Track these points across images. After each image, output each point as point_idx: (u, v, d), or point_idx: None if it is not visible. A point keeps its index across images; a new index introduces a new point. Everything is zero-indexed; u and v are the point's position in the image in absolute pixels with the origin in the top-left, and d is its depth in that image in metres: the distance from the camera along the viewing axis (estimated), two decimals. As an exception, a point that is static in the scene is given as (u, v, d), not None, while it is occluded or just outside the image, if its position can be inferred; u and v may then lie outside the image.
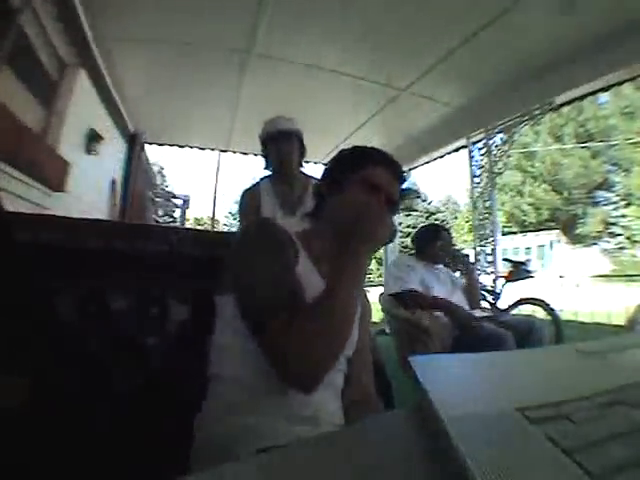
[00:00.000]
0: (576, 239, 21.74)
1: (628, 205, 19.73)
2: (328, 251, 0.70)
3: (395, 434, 0.31)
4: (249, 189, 1.82)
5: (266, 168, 1.80)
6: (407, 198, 5.33)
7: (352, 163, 0.78)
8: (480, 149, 3.71)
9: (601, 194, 21.38)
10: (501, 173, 3.59)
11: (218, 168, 6.19)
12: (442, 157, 4.53)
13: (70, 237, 0.73)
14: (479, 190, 3.71)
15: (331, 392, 0.67)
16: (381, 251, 5.38)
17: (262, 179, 1.81)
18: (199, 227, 19.74)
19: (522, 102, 3.16)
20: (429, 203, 28.39)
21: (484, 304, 2.60)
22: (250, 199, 1.77)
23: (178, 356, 0.74)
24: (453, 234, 2.28)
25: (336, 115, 3.94)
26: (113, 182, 4.23)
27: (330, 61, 2.98)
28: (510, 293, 2.90)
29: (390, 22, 2.49)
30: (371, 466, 0.26)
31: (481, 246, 3.67)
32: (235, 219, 20.87)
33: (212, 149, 5.03)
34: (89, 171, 3.31)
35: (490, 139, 3.57)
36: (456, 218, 27.66)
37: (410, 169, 5.03)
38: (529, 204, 23.36)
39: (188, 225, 16.26)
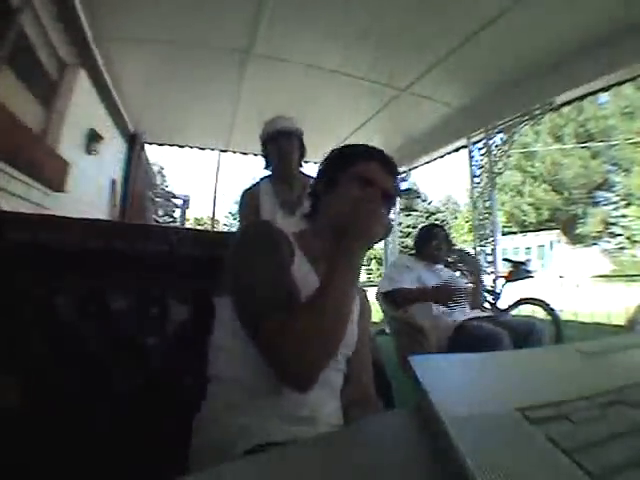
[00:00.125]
0: (576, 239, 21.74)
1: (628, 205, 19.74)
2: (325, 251, 0.70)
3: (395, 434, 0.31)
4: (249, 189, 1.82)
5: (266, 168, 1.81)
6: (407, 198, 5.34)
7: (344, 160, 0.78)
8: (480, 149, 3.71)
9: (601, 194, 21.39)
10: (501, 173, 3.59)
11: (218, 168, 6.19)
12: (442, 157, 4.53)
13: (70, 237, 0.73)
14: (479, 190, 3.71)
15: (330, 392, 0.67)
16: (381, 251, 5.37)
17: (262, 179, 1.81)
18: (199, 227, 19.75)
19: (522, 102, 3.16)
20: (429, 203, 28.39)
21: (484, 304, 2.60)
22: (250, 199, 1.77)
23: (178, 356, 0.74)
24: (453, 234, 2.28)
25: (336, 115, 3.94)
26: (113, 182, 4.23)
27: (330, 61, 2.98)
28: (510, 293, 2.90)
29: (390, 22, 2.49)
30: (371, 466, 0.26)
31: (481, 246, 3.67)
32: (235, 219, 20.88)
33: (212, 149, 5.03)
34: (89, 171, 3.31)
35: (490, 139, 3.57)
36: (456, 218, 27.67)
37: (410, 169, 5.04)
38: (529, 204, 23.37)
39: (188, 225, 16.27)
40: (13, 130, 2.10)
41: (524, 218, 23.47)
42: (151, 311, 0.75)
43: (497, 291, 3.05)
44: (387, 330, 2.68)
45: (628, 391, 0.31)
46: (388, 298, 1.99)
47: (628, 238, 19.64)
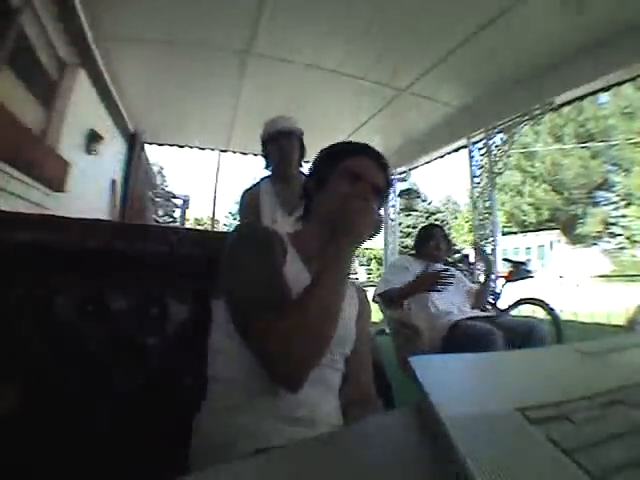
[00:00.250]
0: (576, 239, 21.74)
1: (628, 205, 19.74)
2: (318, 250, 0.70)
3: (395, 434, 0.31)
4: (249, 189, 1.82)
5: (266, 168, 1.81)
6: (407, 198, 5.32)
7: (332, 158, 0.78)
8: (480, 149, 3.71)
9: (601, 194, 21.39)
10: (501, 173, 3.59)
11: (218, 168, 6.20)
12: (442, 157, 4.53)
13: (70, 237, 0.73)
14: (479, 190, 3.71)
15: (328, 391, 0.67)
16: (381, 251, 5.38)
17: (262, 179, 1.81)
18: (199, 227, 19.74)
19: (522, 102, 3.16)
20: (429, 203, 28.36)
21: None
22: (250, 199, 1.77)
23: (178, 356, 0.74)
24: (453, 234, 2.29)
25: (336, 115, 3.94)
26: (113, 182, 4.23)
27: (330, 61, 2.98)
28: (510, 293, 2.90)
29: (390, 22, 2.49)
30: (371, 466, 0.26)
31: (481, 246, 3.66)
32: (235, 219, 20.87)
33: (212, 149, 5.04)
34: (89, 171, 3.31)
35: (490, 139, 3.57)
36: (456, 218, 27.64)
37: (410, 169, 5.04)
38: (529, 204, 23.36)
39: (188, 225, 16.26)
40: (13, 130, 2.10)
41: (524, 218, 23.47)
42: (151, 311, 0.75)
43: (497, 291, 3.05)
44: (387, 330, 2.68)
45: (628, 391, 0.31)
46: (383, 299, 2.01)
47: (628, 238, 19.64)
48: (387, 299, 1.98)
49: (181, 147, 4.88)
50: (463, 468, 0.22)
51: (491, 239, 3.57)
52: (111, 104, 3.59)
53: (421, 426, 0.30)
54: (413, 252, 2.24)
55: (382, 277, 2.18)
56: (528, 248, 21.18)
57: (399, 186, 5.25)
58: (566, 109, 3.46)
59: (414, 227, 24.11)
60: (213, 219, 9.00)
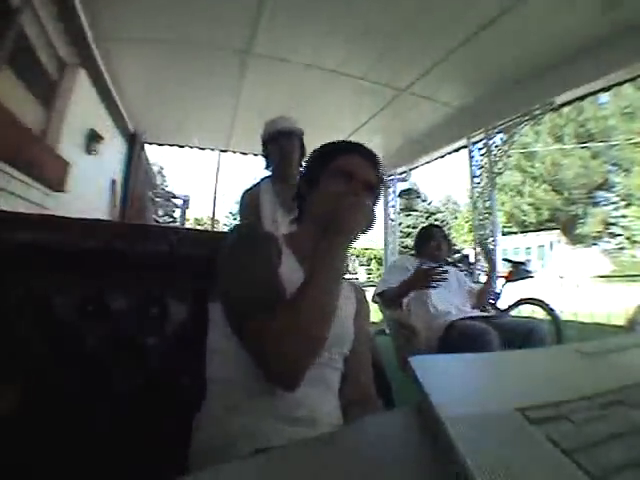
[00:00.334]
0: (576, 239, 21.74)
1: (628, 205, 19.74)
2: (313, 250, 0.71)
3: (395, 434, 0.31)
4: (249, 189, 1.82)
5: (266, 168, 1.81)
6: (407, 198, 5.32)
7: (323, 157, 0.79)
8: (480, 149, 3.71)
9: (601, 194, 21.40)
10: (501, 173, 3.60)
11: (218, 168, 6.20)
12: (442, 157, 4.53)
13: (70, 237, 0.73)
14: (479, 190, 3.71)
15: (327, 391, 0.67)
16: (381, 251, 5.38)
17: (262, 179, 1.81)
18: (199, 227, 19.74)
19: (522, 102, 3.16)
20: (429, 203, 28.36)
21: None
22: (250, 199, 1.77)
23: (178, 356, 0.74)
24: (453, 234, 2.29)
25: (336, 115, 3.95)
26: (113, 182, 4.23)
27: (330, 61, 2.98)
28: (510, 293, 2.90)
29: (390, 22, 2.49)
30: (371, 466, 0.26)
31: (475, 248, 3.67)
32: (235, 219, 20.88)
33: (212, 149, 5.04)
34: (89, 171, 3.31)
35: (490, 139, 3.57)
36: (456, 218, 27.65)
37: (410, 169, 5.04)
38: (529, 204, 23.36)
39: (188, 225, 16.26)
40: (13, 130, 2.10)
41: (524, 218, 23.47)
42: (151, 311, 0.75)
43: (497, 291, 3.05)
44: (387, 330, 2.68)
45: (628, 391, 0.31)
46: (382, 299, 2.03)
47: (628, 238, 19.64)
48: (386, 299, 1.99)
49: (181, 147, 4.88)
50: (463, 468, 0.22)
51: (491, 239, 3.57)
52: (111, 104, 3.60)
53: (421, 426, 0.30)
54: (413, 252, 2.24)
55: (381, 278, 2.19)
56: (528, 248, 21.18)
57: (399, 186, 5.26)
58: (566, 109, 3.47)
59: (414, 227, 24.12)
60: (213, 219, 9.01)
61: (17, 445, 0.57)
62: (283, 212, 1.70)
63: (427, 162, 4.78)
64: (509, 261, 3.19)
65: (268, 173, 1.81)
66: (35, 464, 0.58)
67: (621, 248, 20.18)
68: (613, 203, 20.69)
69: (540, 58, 2.79)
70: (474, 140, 3.78)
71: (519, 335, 1.66)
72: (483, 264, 3.58)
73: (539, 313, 2.59)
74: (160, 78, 3.36)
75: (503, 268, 3.38)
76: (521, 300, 2.70)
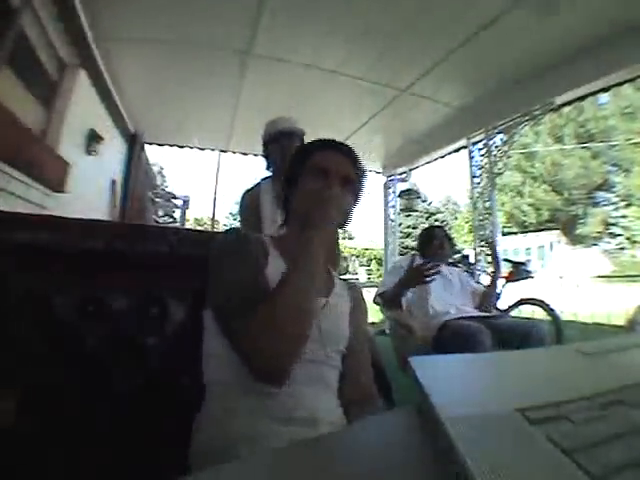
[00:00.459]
0: (576, 240, 21.74)
1: (628, 206, 19.74)
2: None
3: (395, 434, 0.31)
4: (249, 190, 1.82)
5: (267, 169, 1.81)
6: (407, 198, 5.31)
7: (300, 157, 0.80)
8: (480, 149, 3.71)
9: (601, 194, 21.39)
10: (501, 173, 3.59)
11: (218, 168, 6.20)
12: (442, 157, 4.53)
13: (70, 237, 0.73)
14: (479, 190, 3.71)
15: (327, 390, 0.67)
16: (382, 251, 5.37)
17: (263, 180, 1.81)
18: (199, 227, 19.74)
19: (522, 102, 3.16)
20: (429, 204, 28.39)
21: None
22: (250, 200, 1.77)
23: (178, 356, 0.74)
24: (453, 235, 2.29)
25: (337, 115, 3.94)
26: (113, 182, 4.22)
27: (330, 61, 2.98)
28: (510, 293, 2.90)
29: (390, 22, 2.49)
30: (371, 466, 0.26)
31: (481, 246, 3.67)
32: (235, 219, 20.89)
33: (212, 149, 5.03)
34: (89, 171, 3.31)
35: (490, 139, 3.57)
36: (456, 218, 27.67)
37: (410, 169, 5.04)
38: (529, 204, 23.37)
39: (188, 225, 16.26)
40: (13, 130, 2.10)
41: (524, 218, 23.47)
42: (151, 311, 0.75)
43: (497, 291, 3.04)
44: (387, 330, 2.69)
45: (628, 391, 0.31)
46: (382, 299, 2.03)
47: (628, 238, 19.64)
48: (386, 299, 2.00)
49: (181, 147, 4.88)
50: (463, 468, 0.22)
51: (491, 239, 3.57)
52: (111, 104, 3.59)
53: (421, 426, 0.30)
54: (414, 253, 2.25)
55: (382, 279, 2.21)
56: (528, 248, 21.18)
57: (399, 186, 5.26)
58: (566, 109, 3.47)
59: (414, 227, 24.13)
60: (213, 219, 9.02)
61: (17, 445, 0.57)
62: (283, 213, 1.70)
63: (427, 162, 4.78)
64: (509, 261, 3.19)
65: (268, 173, 1.81)
66: (35, 464, 0.58)
67: (621, 248, 20.18)
68: (613, 203, 20.69)
69: (540, 58, 2.79)
70: (474, 140, 3.78)
71: (518, 336, 1.66)
72: (484, 264, 3.58)
73: (539, 313, 2.59)
74: (160, 78, 3.36)
75: (503, 268, 3.38)
76: (521, 300, 2.70)
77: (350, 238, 27.21)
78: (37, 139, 2.50)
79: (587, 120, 21.13)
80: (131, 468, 0.61)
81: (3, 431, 0.57)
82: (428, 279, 1.73)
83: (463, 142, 3.94)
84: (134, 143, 4.55)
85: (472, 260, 3.65)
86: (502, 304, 2.86)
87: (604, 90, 2.84)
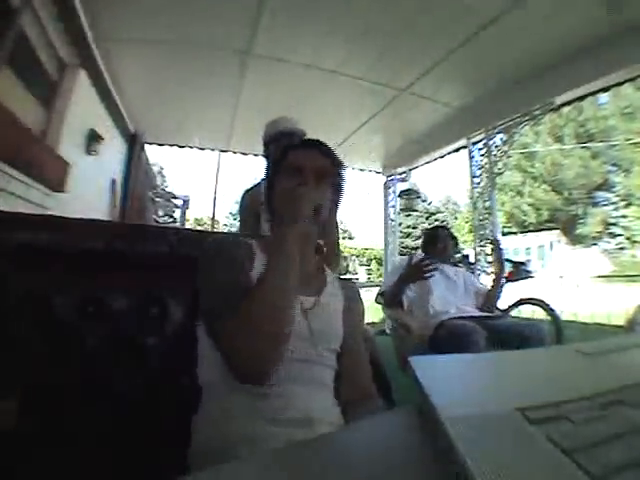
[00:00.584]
0: (576, 239, 21.73)
1: (628, 205, 19.72)
2: None
3: (395, 434, 0.31)
4: (249, 189, 1.82)
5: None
6: (407, 198, 5.31)
7: (275, 160, 0.82)
8: (480, 149, 3.71)
9: (601, 194, 21.37)
10: (501, 173, 3.59)
11: (218, 168, 6.20)
12: (442, 157, 4.53)
13: (70, 237, 0.73)
14: (479, 190, 3.70)
15: (322, 389, 0.67)
16: (382, 251, 5.37)
17: (263, 179, 1.81)
18: (199, 227, 19.74)
19: (522, 102, 3.16)
20: (429, 203, 28.38)
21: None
22: (250, 200, 1.77)
23: (178, 356, 0.74)
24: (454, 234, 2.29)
25: (336, 115, 3.94)
26: (113, 182, 4.22)
27: (330, 61, 2.98)
28: (510, 293, 2.90)
29: (390, 22, 2.49)
30: (371, 466, 0.26)
31: (481, 246, 3.66)
32: (235, 219, 20.86)
33: (212, 149, 5.03)
34: (89, 171, 3.31)
35: (490, 139, 3.57)
36: (456, 218, 27.67)
37: (410, 169, 5.04)
38: (529, 204, 23.35)
39: (188, 225, 16.25)
40: (13, 130, 2.10)
41: (524, 218, 23.46)
42: (151, 311, 0.75)
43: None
44: (387, 330, 2.69)
45: (628, 391, 0.31)
46: (383, 298, 2.04)
47: (628, 238, 19.63)
48: (387, 298, 2.00)
49: (181, 147, 4.87)
50: (463, 468, 0.22)
51: (496, 239, 3.57)
52: (111, 104, 3.59)
53: (421, 426, 0.30)
54: (413, 252, 2.26)
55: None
56: (528, 248, 21.17)
57: (399, 186, 5.25)
58: (566, 109, 3.46)
59: (414, 227, 24.16)
60: (213, 219, 9.02)
61: (17, 444, 0.57)
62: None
63: (427, 162, 4.78)
64: (509, 261, 3.19)
65: (269, 174, 1.81)
66: (34, 463, 0.58)
67: (621, 248, 20.16)
68: (613, 203, 20.67)
69: (540, 58, 2.79)
70: (474, 140, 3.77)
71: (518, 336, 1.65)
72: (484, 264, 3.58)
73: (539, 313, 2.59)
74: (160, 78, 3.36)
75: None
76: (521, 300, 2.70)
77: (350, 238, 27.23)
78: (37, 139, 2.50)
79: (587, 120, 21.12)
80: (131, 468, 0.61)
81: (3, 431, 0.57)
82: (427, 275, 1.74)
83: (463, 142, 3.93)
84: (134, 143, 4.55)
85: (472, 260, 3.65)
86: (502, 304, 2.86)
87: (604, 90, 2.83)
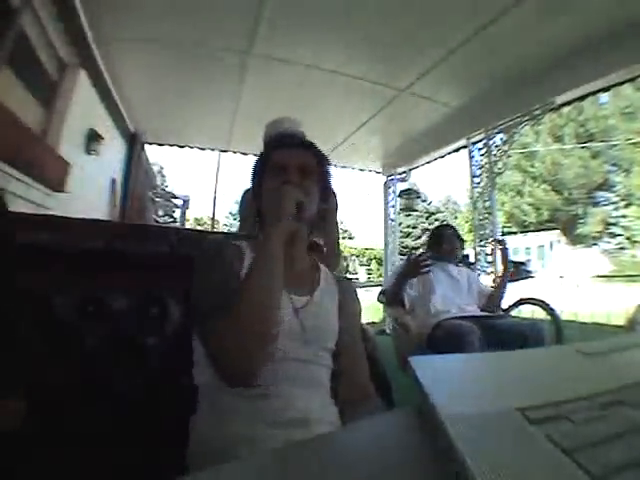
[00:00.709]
0: (576, 239, 21.73)
1: (628, 205, 19.73)
2: None
3: (395, 434, 0.31)
4: (250, 189, 1.82)
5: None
6: (407, 198, 5.30)
7: (260, 161, 0.82)
8: (480, 149, 3.71)
9: (601, 194, 21.37)
10: (501, 173, 3.59)
11: (218, 168, 6.20)
12: (442, 157, 4.53)
13: (70, 237, 0.73)
14: (479, 190, 3.70)
15: (318, 389, 0.67)
16: (382, 251, 5.37)
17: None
18: (199, 227, 19.74)
19: (522, 102, 3.16)
20: (429, 203, 28.37)
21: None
22: (250, 200, 1.77)
23: (178, 356, 0.74)
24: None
25: (336, 115, 3.94)
26: (113, 182, 4.22)
27: (330, 61, 2.98)
28: (510, 293, 2.90)
29: (390, 22, 2.49)
30: (370, 467, 0.26)
31: (481, 246, 3.66)
32: (235, 219, 20.86)
33: (212, 149, 5.03)
34: (89, 171, 3.31)
35: (490, 139, 3.56)
36: (456, 218, 27.64)
37: (410, 169, 5.04)
38: (529, 204, 23.35)
39: (188, 225, 16.24)
40: (13, 130, 2.10)
41: (524, 218, 23.46)
42: (151, 311, 0.75)
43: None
44: (387, 330, 2.68)
45: (628, 391, 0.31)
46: (385, 297, 2.04)
47: (628, 238, 19.63)
48: (388, 296, 2.00)
49: (181, 147, 4.87)
50: (463, 468, 0.22)
51: (491, 239, 3.57)
52: (111, 104, 3.59)
53: (421, 426, 0.30)
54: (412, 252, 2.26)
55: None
56: (528, 248, 21.17)
57: (399, 186, 5.25)
58: (566, 109, 3.46)
59: (414, 227, 24.16)
60: (213, 219, 9.02)
61: (17, 444, 0.57)
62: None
63: (427, 162, 4.78)
64: (510, 261, 3.19)
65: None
66: (34, 463, 0.58)
67: (621, 248, 20.17)
68: (613, 203, 20.67)
69: (540, 58, 2.79)
70: (474, 140, 3.77)
71: (518, 336, 1.66)
72: (484, 264, 3.58)
73: (539, 313, 2.59)
74: (160, 78, 3.35)
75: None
76: (521, 300, 2.70)
77: (350, 238, 27.22)
78: (37, 139, 2.50)
79: (587, 120, 21.11)
80: (131, 468, 0.61)
81: (3, 431, 0.57)
82: (424, 269, 1.74)
83: (463, 142, 3.93)
84: (134, 143, 4.55)
85: (472, 260, 3.65)
86: (502, 304, 2.86)
87: (604, 90, 2.83)
